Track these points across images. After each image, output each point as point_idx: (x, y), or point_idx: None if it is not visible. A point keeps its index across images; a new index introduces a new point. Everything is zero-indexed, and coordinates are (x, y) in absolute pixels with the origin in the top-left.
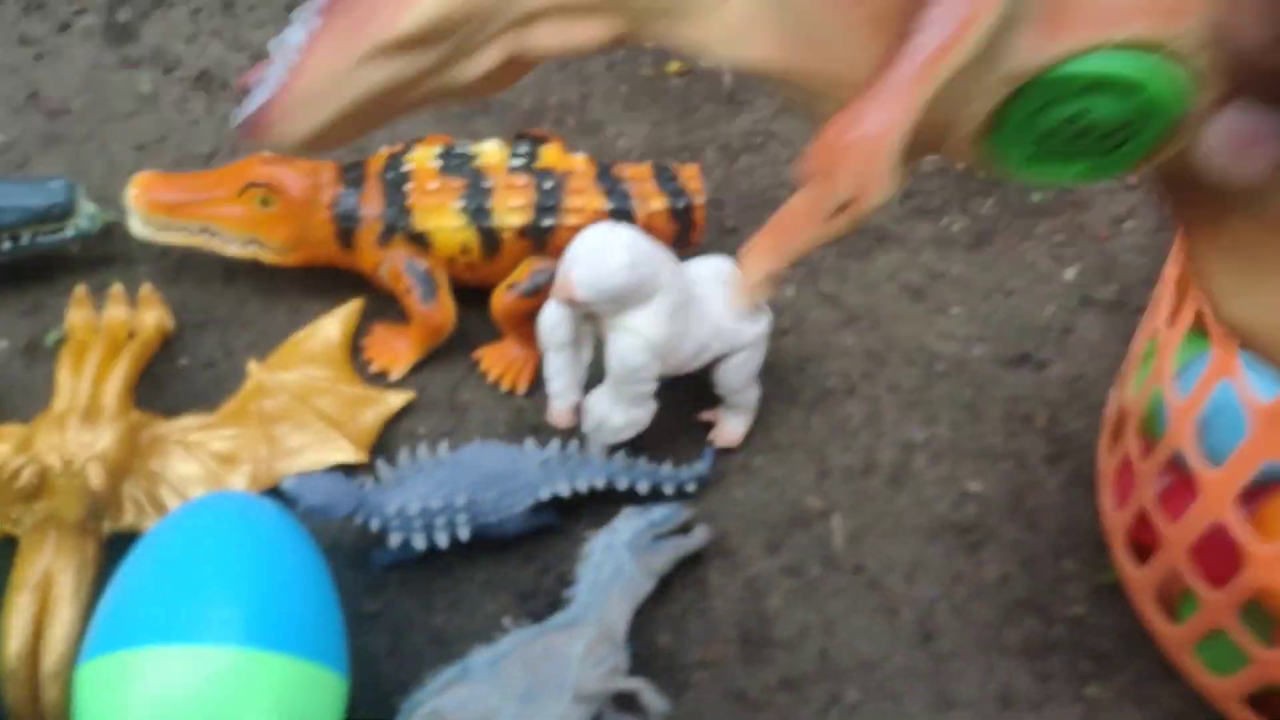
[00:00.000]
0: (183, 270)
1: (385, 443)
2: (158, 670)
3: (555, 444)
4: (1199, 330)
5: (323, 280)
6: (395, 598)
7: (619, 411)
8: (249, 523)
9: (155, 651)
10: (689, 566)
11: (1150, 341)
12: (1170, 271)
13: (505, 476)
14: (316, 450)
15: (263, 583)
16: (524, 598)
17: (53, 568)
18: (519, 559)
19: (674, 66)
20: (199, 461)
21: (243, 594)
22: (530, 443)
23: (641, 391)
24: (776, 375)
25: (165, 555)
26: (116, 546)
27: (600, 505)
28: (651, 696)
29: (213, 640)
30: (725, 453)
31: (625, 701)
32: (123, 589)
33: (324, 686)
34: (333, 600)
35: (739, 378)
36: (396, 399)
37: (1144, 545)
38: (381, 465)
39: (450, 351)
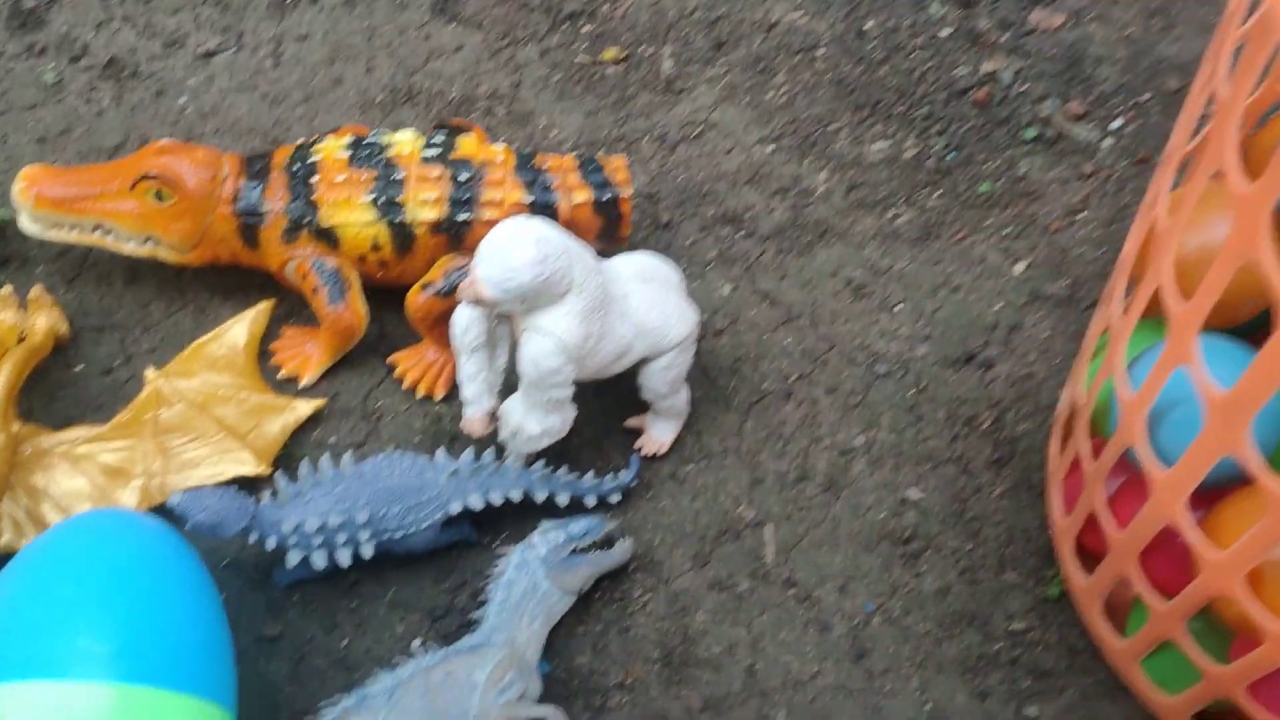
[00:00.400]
0: (83, 271)
1: (294, 453)
2: (17, 710)
3: (468, 454)
4: (1155, 318)
5: (231, 280)
6: (297, 620)
7: (534, 419)
8: (128, 543)
9: (14, 688)
10: (612, 582)
11: (1103, 334)
12: (1126, 254)
13: (411, 490)
14: (215, 463)
15: (140, 610)
16: (436, 618)
17: None
18: (431, 576)
19: (610, 53)
20: (86, 476)
21: (117, 622)
22: (441, 453)
23: (557, 398)
24: (709, 377)
25: (31, 579)
26: None
27: (520, 518)
28: None
29: (80, 675)
30: (653, 461)
31: None
32: None
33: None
34: (220, 627)
35: (665, 382)
36: (305, 407)
37: (1092, 553)
38: (279, 478)
39: (364, 355)
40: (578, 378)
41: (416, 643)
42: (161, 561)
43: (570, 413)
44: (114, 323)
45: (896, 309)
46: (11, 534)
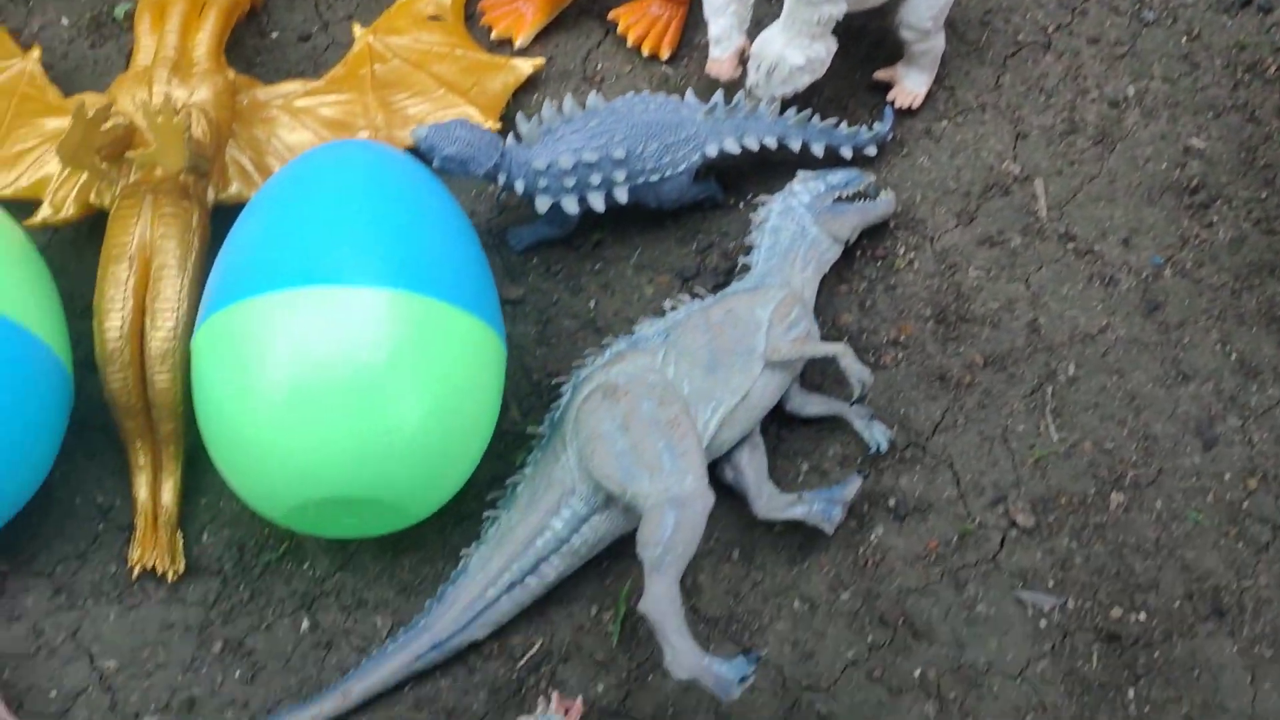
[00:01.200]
0: None
1: (511, 117)
2: (303, 310)
3: (718, 96)
4: None
5: None
6: (539, 283)
7: (796, 49)
8: (386, 169)
9: (299, 294)
10: (872, 240)
11: None
12: None
13: (668, 127)
14: (440, 119)
15: (406, 227)
16: (686, 278)
17: (151, 235)
18: (676, 237)
19: None
20: (307, 129)
21: (387, 237)
22: (691, 94)
23: (827, 15)
24: (958, 31)
25: (300, 199)
26: (222, 220)
27: (766, 177)
28: (854, 364)
29: (357, 281)
30: (905, 116)
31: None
32: (249, 236)
33: (483, 342)
34: (479, 251)
35: (930, 13)
36: (525, 65)
37: None
38: (520, 120)
39: (578, 18)
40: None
41: (668, 304)
42: (419, 186)
43: (833, 44)
44: None
45: None
46: (240, 183)
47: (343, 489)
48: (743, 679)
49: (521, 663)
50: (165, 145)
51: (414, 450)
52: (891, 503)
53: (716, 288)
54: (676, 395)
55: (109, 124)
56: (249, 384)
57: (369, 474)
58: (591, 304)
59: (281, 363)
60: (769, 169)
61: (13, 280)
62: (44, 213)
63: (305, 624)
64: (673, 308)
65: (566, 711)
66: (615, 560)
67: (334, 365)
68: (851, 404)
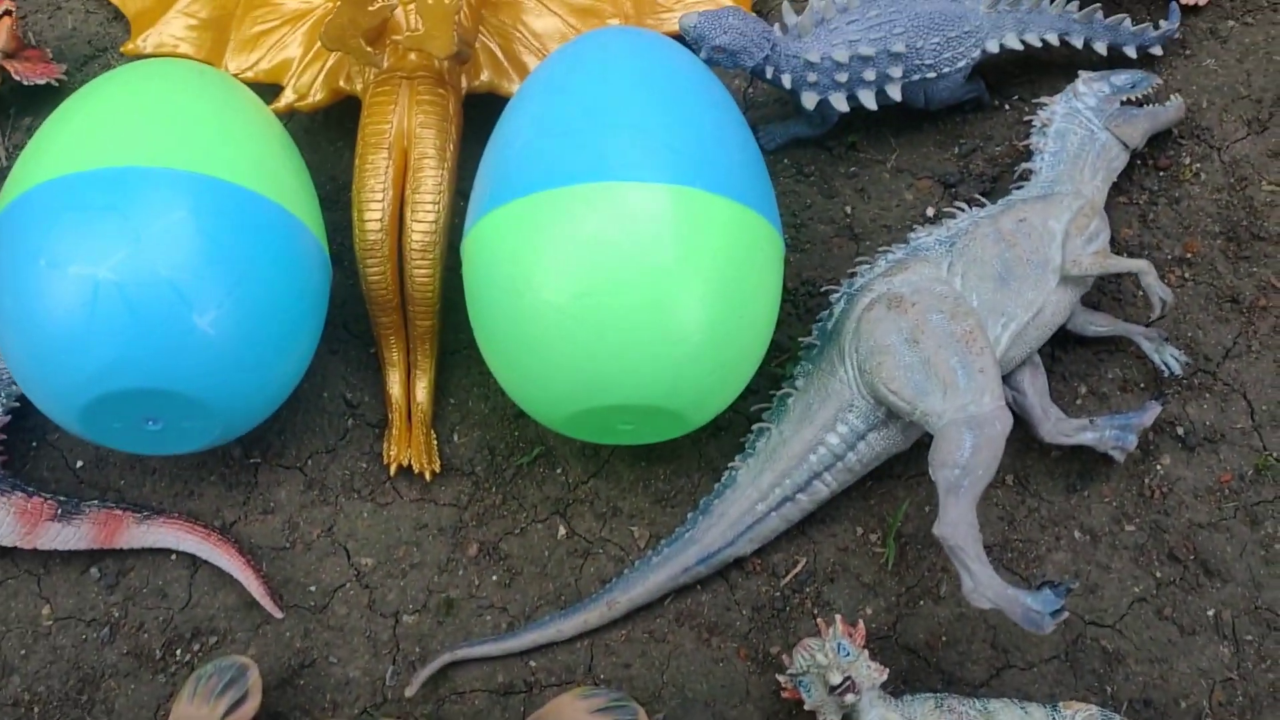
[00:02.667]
0: None
1: (761, 10)
2: (593, 203)
3: None
4: None
5: None
6: (791, 186)
7: None
8: (658, 58)
9: (588, 189)
10: (1153, 149)
11: None
12: None
13: (951, 20)
14: (692, 6)
15: (687, 120)
16: (949, 184)
17: (409, 124)
18: (935, 141)
19: None
20: (555, 14)
21: (667, 130)
22: None
23: None
24: None
25: (572, 91)
26: (472, 109)
27: (1033, 77)
28: (1156, 282)
29: (642, 177)
30: (1189, 14)
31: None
32: (521, 130)
33: (766, 240)
34: (758, 152)
35: None
36: None
37: None
38: (786, 12)
39: None
40: None
41: (931, 212)
42: (694, 76)
43: None
44: None
45: None
46: (490, 71)
47: (627, 397)
48: (1055, 612)
49: (785, 581)
50: (434, 28)
51: (701, 356)
52: (1180, 431)
53: (984, 194)
54: (969, 308)
55: (376, 5)
56: (529, 285)
57: (655, 382)
58: (847, 209)
59: (564, 264)
60: (1035, 69)
61: (278, 167)
62: (288, 97)
63: (561, 530)
64: (950, 215)
65: (851, 636)
66: (879, 481)
67: (619, 266)
68: (1148, 324)
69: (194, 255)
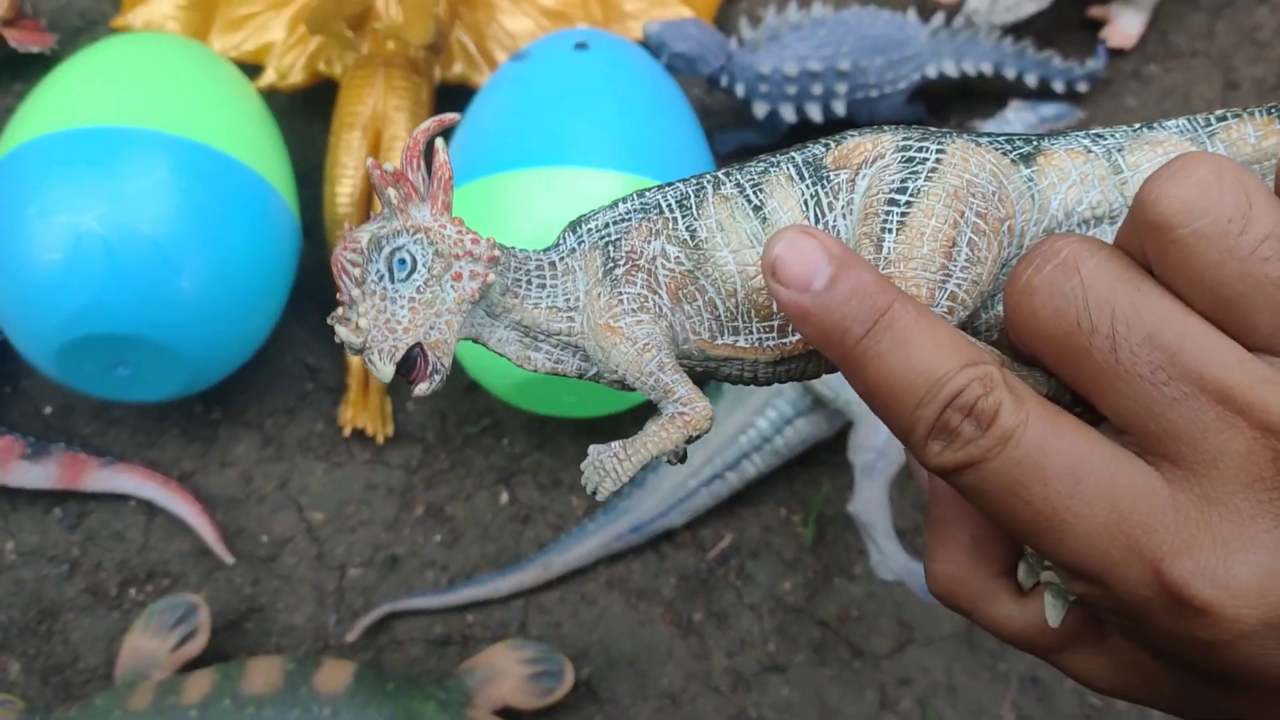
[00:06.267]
0: None
1: (723, 23)
2: (542, 187)
3: (938, 19)
4: None
5: None
6: None
7: None
8: (622, 62)
9: (539, 173)
10: None
11: None
12: None
13: (894, 44)
14: (655, 15)
15: (640, 114)
16: None
17: (384, 107)
18: None
19: None
20: (528, 16)
21: (623, 124)
22: (914, 13)
23: None
24: None
25: (540, 85)
26: (444, 100)
27: (971, 105)
28: None
29: (593, 164)
30: (1115, 57)
31: None
32: (482, 119)
33: None
34: (708, 152)
35: None
36: None
37: None
38: (744, 25)
39: None
40: None
41: None
42: (653, 80)
43: None
44: None
45: None
46: (463, 64)
47: None
48: None
49: (711, 554)
50: (413, 17)
51: None
52: None
53: None
54: None
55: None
56: None
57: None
58: None
59: (519, 240)
60: (971, 99)
61: (256, 137)
62: (269, 77)
63: (504, 497)
64: None
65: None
66: (805, 468)
67: None
68: None
69: (172, 212)
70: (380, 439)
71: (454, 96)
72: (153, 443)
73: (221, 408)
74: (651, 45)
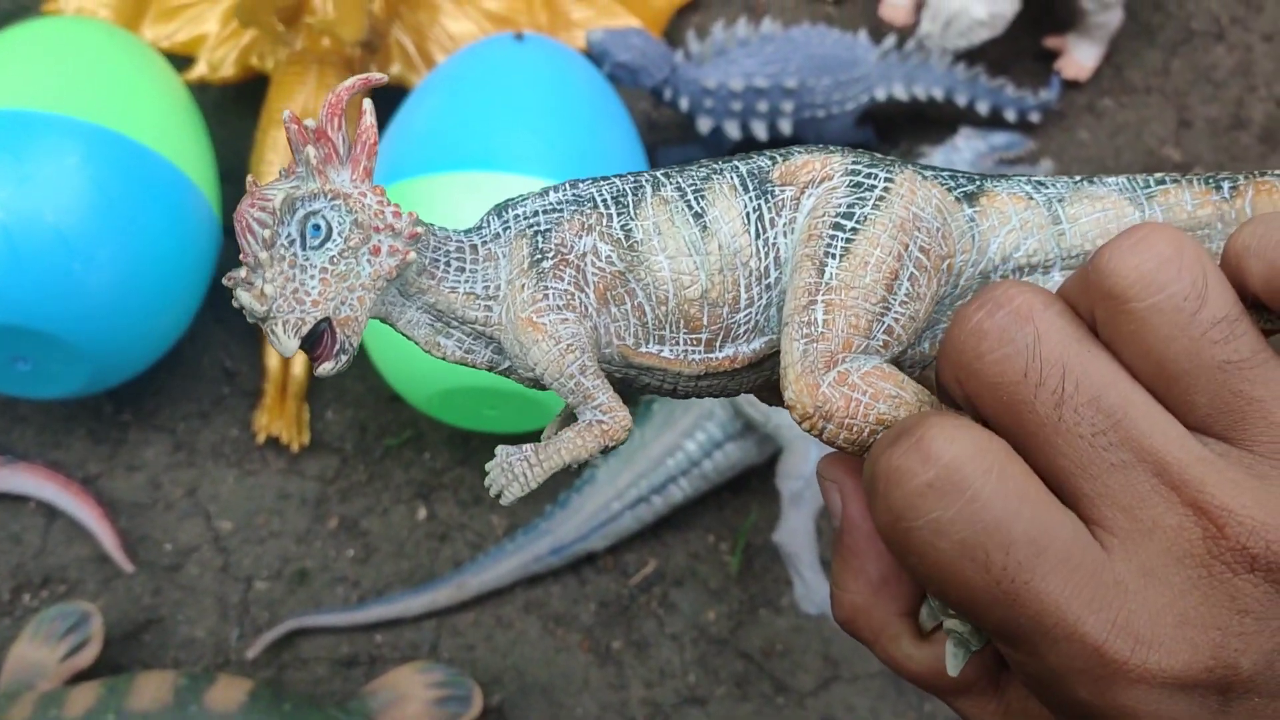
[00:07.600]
0: None
1: (673, 37)
2: (467, 191)
3: (889, 41)
4: None
5: None
6: None
7: (981, 2)
8: (561, 69)
9: (465, 176)
10: None
11: None
12: None
13: (842, 64)
14: (602, 24)
15: (570, 122)
16: None
17: (315, 105)
18: None
19: None
20: (471, 20)
21: (550, 130)
22: (865, 35)
23: None
24: (1132, 11)
25: (474, 86)
26: (379, 100)
27: (921, 131)
28: None
29: (517, 169)
30: (1069, 89)
31: None
32: (413, 120)
33: None
34: (642, 161)
35: None
36: None
37: None
38: (691, 39)
39: None
40: None
41: None
42: (592, 89)
43: (1017, 3)
44: None
45: None
46: (401, 65)
47: (492, 379)
48: None
49: (634, 581)
50: (345, 14)
51: None
52: None
53: None
54: None
55: None
56: None
57: None
58: None
59: None
60: (922, 124)
61: (178, 130)
62: (200, 70)
63: (422, 513)
64: None
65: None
66: (735, 494)
67: None
68: None
69: (81, 201)
70: (296, 447)
71: (391, 98)
72: (59, 443)
73: (132, 409)
74: (594, 54)
